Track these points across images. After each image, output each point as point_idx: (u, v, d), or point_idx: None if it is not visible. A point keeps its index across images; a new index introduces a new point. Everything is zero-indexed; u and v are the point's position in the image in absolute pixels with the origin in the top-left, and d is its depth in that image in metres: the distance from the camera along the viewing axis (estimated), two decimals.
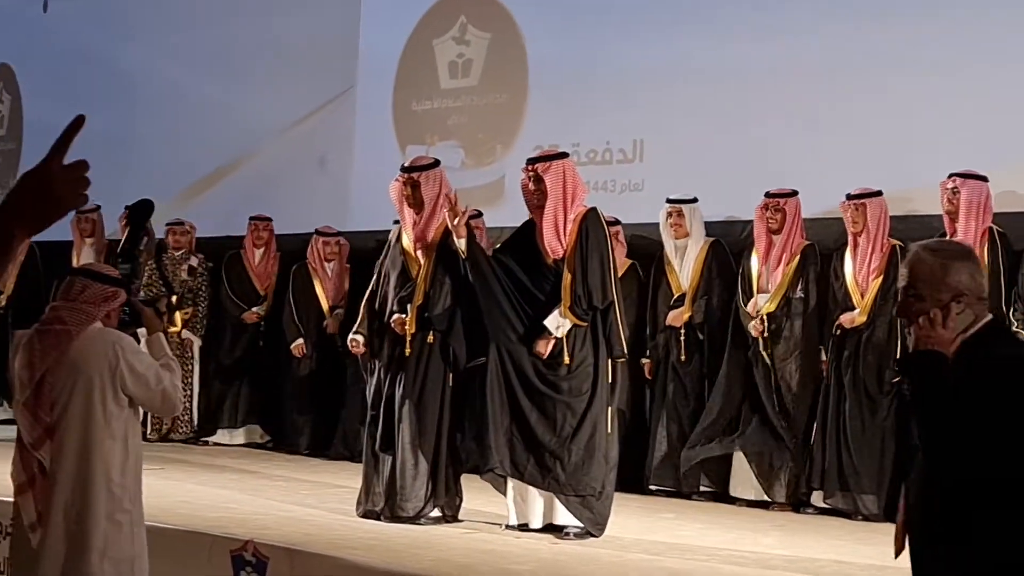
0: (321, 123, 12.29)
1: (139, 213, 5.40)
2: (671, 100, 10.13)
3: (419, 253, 7.66)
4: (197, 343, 11.57)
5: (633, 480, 9.17)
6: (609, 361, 7.38)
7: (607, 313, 7.31)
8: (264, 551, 6.46)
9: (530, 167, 7.43)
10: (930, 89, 8.94)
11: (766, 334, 8.71)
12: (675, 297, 9.26)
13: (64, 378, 4.93)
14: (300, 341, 11.08)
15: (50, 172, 2.37)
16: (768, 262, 8.86)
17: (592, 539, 7.16)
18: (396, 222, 8.01)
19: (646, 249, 9.68)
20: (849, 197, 8.52)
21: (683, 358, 9.17)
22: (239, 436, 11.54)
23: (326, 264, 11.21)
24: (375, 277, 7.94)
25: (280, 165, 12.39)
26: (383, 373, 7.71)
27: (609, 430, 7.32)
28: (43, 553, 4.89)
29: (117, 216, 11.17)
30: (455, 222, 7.30)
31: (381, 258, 7.98)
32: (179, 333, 11.38)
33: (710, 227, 9.39)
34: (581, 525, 7.20)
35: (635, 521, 7.86)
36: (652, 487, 9.18)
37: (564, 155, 7.57)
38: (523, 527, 7.31)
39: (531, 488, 7.29)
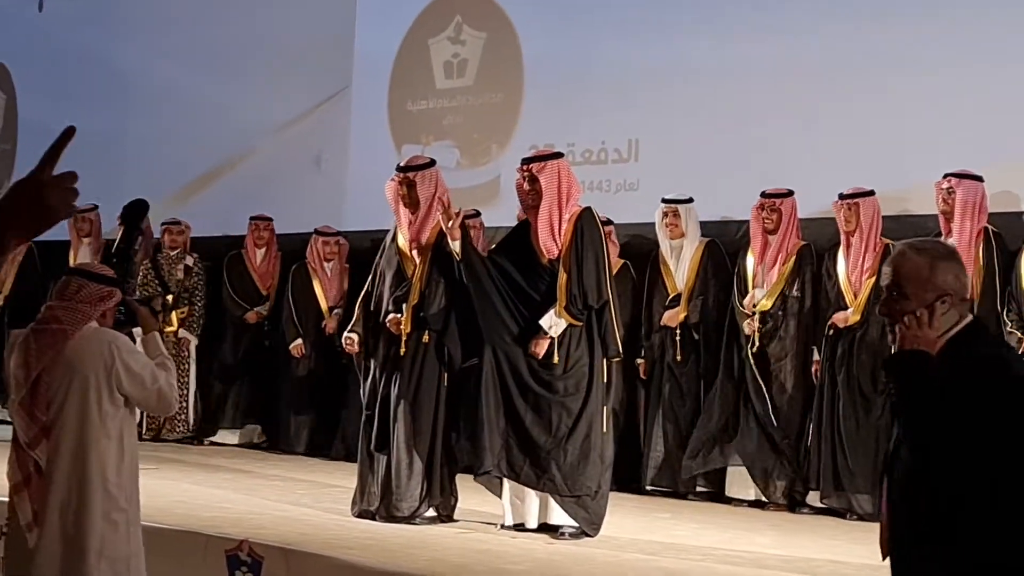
0: (317, 123, 12.29)
1: (133, 213, 5.41)
2: (667, 100, 10.14)
3: (414, 253, 7.66)
4: (194, 342, 11.56)
5: (629, 480, 9.19)
6: (604, 360, 7.39)
7: (602, 312, 7.31)
8: (259, 551, 6.46)
9: (525, 167, 7.43)
10: (925, 89, 8.95)
11: (761, 330, 8.71)
12: (671, 297, 9.26)
13: (60, 377, 4.94)
14: (299, 341, 11.08)
15: (41, 181, 2.43)
16: (764, 262, 8.87)
17: (588, 539, 7.17)
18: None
19: (641, 249, 9.69)
20: (842, 197, 8.53)
21: (679, 358, 9.18)
22: (241, 436, 11.54)
23: (325, 264, 11.21)
24: (371, 277, 7.94)
25: (276, 165, 12.39)
26: (378, 373, 7.71)
27: (605, 429, 7.32)
28: (39, 553, 4.89)
29: (113, 215, 11.16)
30: (449, 225, 7.31)
31: (377, 257, 7.98)
32: (176, 332, 11.39)
33: (705, 227, 9.39)
34: (576, 525, 7.20)
35: (631, 521, 7.87)
36: (648, 487, 9.19)
37: (559, 155, 7.57)
38: (519, 527, 7.31)
39: (527, 489, 7.30)
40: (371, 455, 7.66)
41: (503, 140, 11.08)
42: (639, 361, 9.34)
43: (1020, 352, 7.79)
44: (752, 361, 8.77)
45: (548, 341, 7.25)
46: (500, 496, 7.42)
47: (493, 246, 8.09)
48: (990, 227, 8.17)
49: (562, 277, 7.26)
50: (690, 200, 9.27)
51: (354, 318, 7.92)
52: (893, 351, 3.50)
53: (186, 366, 11.41)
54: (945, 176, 8.20)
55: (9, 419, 5.23)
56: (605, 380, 7.45)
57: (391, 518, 7.49)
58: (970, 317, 3.49)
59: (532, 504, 7.32)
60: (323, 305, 11.11)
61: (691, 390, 9.20)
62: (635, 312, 9.39)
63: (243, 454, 11.04)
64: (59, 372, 4.93)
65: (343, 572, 6.26)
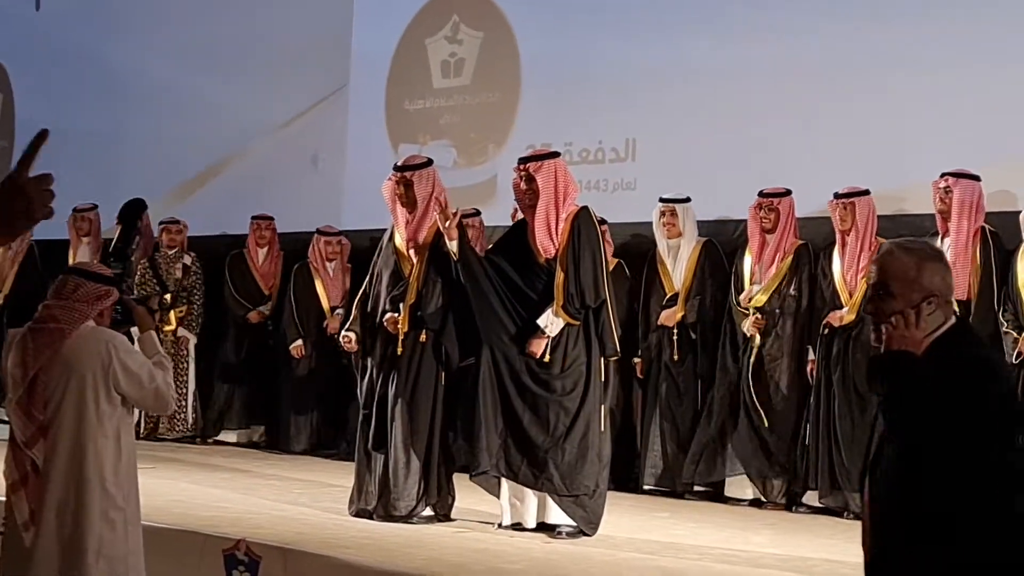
0: (314, 122, 12.29)
1: (131, 212, 5.42)
2: (664, 99, 10.14)
3: (411, 252, 7.66)
4: (193, 341, 11.56)
5: (625, 479, 9.19)
6: (602, 359, 7.39)
7: (599, 312, 7.32)
8: (256, 550, 6.46)
9: (522, 166, 7.43)
10: (923, 89, 8.95)
11: (760, 327, 8.72)
12: (668, 297, 9.27)
13: (57, 377, 4.94)
14: (299, 342, 11.06)
15: (20, 184, 2.49)
16: (761, 261, 8.88)
17: (585, 538, 7.17)
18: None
19: (638, 248, 9.69)
20: (837, 196, 8.54)
21: (676, 358, 9.18)
22: (244, 436, 11.53)
23: (328, 264, 11.19)
24: (368, 276, 7.94)
25: (273, 164, 12.39)
26: (375, 372, 7.71)
27: (602, 429, 7.32)
28: (36, 552, 4.90)
29: (111, 214, 11.16)
30: (446, 225, 7.31)
31: (375, 257, 7.98)
32: (175, 331, 11.39)
33: (702, 226, 9.39)
34: (574, 524, 7.20)
35: (628, 520, 7.87)
36: (646, 486, 9.20)
37: (555, 154, 7.57)
38: (516, 527, 7.31)
39: (526, 489, 7.30)
40: (368, 454, 7.66)
41: (500, 139, 11.08)
42: (635, 360, 9.34)
43: (1015, 351, 7.82)
44: (749, 361, 8.78)
45: (545, 340, 7.25)
46: (497, 496, 7.42)
47: (490, 246, 8.09)
48: (987, 226, 8.17)
49: (559, 276, 7.27)
50: (687, 200, 9.27)
51: (351, 318, 7.92)
52: (880, 351, 3.50)
53: (185, 365, 11.41)
54: (942, 175, 8.20)
55: (6, 418, 5.23)
56: (603, 379, 7.46)
57: (388, 517, 7.49)
58: (954, 319, 3.50)
59: (530, 504, 7.32)
60: (325, 305, 11.09)
61: (688, 390, 9.20)
62: (630, 311, 9.39)
63: (241, 453, 11.03)
64: (56, 371, 4.93)
65: (340, 571, 6.27)
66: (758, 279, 8.86)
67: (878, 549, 3.46)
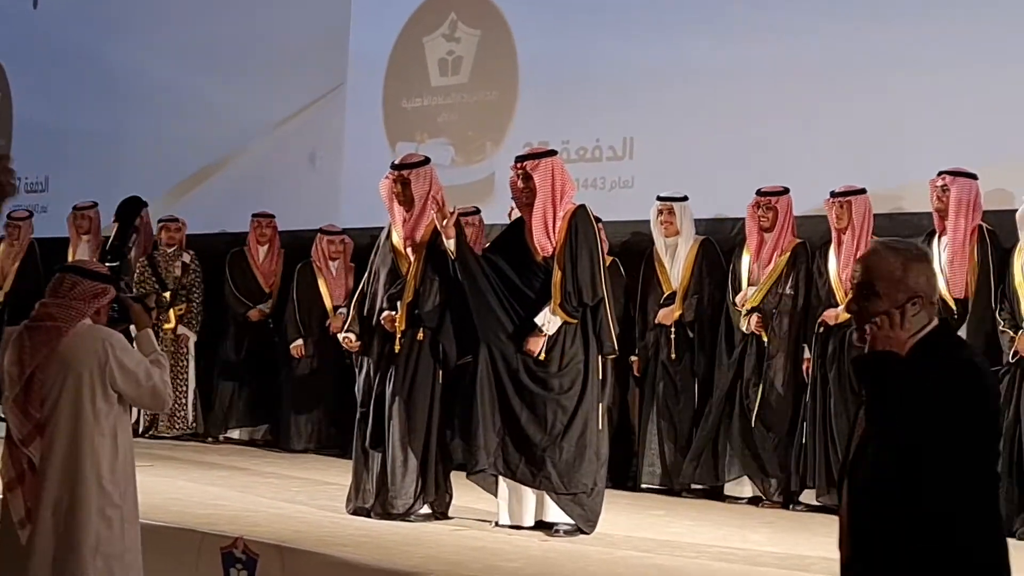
0: (311, 120, 12.29)
1: (128, 210, 5.41)
2: (661, 97, 10.14)
3: (409, 251, 7.67)
4: (192, 338, 11.56)
5: (623, 477, 9.20)
6: (599, 358, 7.39)
7: (597, 310, 7.32)
8: (254, 548, 6.47)
9: (519, 165, 7.43)
10: (923, 89, 8.94)
11: (759, 326, 8.72)
12: (665, 295, 9.27)
13: (54, 375, 4.93)
14: (299, 342, 11.04)
15: None
16: (759, 260, 8.88)
17: (582, 536, 7.17)
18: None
19: (636, 246, 9.69)
20: (833, 195, 8.54)
21: (673, 356, 9.18)
22: (247, 434, 11.52)
23: (331, 263, 11.18)
24: (366, 275, 7.94)
25: (270, 162, 12.39)
26: (373, 370, 7.71)
27: (600, 427, 7.33)
28: (33, 550, 4.89)
29: (110, 212, 11.16)
30: (443, 223, 7.31)
31: (372, 255, 7.99)
32: (174, 329, 11.39)
33: (700, 225, 9.40)
34: (572, 522, 7.20)
35: (625, 518, 7.88)
36: (643, 485, 9.20)
37: (553, 153, 7.57)
38: (515, 526, 7.31)
39: (524, 488, 7.30)
40: (366, 452, 7.66)
41: (497, 138, 11.08)
42: (632, 359, 9.35)
43: (1012, 350, 7.82)
44: (746, 359, 8.79)
45: (543, 339, 7.26)
46: (495, 494, 7.42)
47: (488, 244, 8.09)
48: (984, 225, 8.17)
49: (557, 275, 7.27)
50: (685, 198, 9.27)
51: (349, 318, 7.94)
52: (864, 351, 3.50)
53: (185, 363, 11.41)
54: (940, 173, 8.20)
55: (3, 416, 5.23)
56: (600, 377, 7.46)
57: (386, 515, 7.49)
58: (937, 320, 3.50)
59: (528, 502, 7.32)
60: (328, 304, 11.06)
61: (686, 388, 9.20)
62: (626, 309, 9.39)
63: (239, 451, 11.02)
64: (53, 369, 4.93)
65: (338, 569, 6.27)
66: (756, 277, 8.87)
67: (856, 550, 3.47)
